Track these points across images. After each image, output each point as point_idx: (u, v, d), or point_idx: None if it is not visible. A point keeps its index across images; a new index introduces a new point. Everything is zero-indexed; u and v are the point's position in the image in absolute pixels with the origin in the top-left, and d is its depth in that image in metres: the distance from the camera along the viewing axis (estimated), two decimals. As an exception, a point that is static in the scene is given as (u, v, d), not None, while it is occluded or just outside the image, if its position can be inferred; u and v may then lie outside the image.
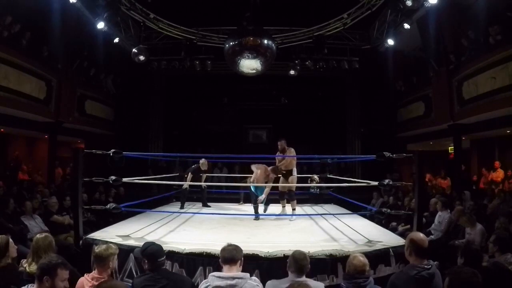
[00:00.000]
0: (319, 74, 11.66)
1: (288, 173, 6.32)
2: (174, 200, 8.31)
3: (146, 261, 2.79)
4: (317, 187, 8.06)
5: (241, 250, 2.72)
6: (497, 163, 9.76)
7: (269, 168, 6.17)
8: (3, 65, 7.90)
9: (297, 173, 6.55)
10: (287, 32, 10.40)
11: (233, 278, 2.54)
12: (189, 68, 10.82)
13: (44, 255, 2.93)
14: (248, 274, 2.66)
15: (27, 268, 3.01)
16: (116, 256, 2.92)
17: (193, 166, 7.58)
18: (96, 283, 2.70)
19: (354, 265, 2.61)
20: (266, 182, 6.18)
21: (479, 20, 8.30)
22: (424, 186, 6.69)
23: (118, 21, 9.08)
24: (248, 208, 7.46)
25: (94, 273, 2.82)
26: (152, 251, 2.80)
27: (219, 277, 2.56)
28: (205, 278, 3.45)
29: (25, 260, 3.16)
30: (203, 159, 7.43)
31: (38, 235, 3.27)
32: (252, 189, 6.29)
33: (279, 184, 6.43)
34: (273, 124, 13.70)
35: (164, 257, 2.85)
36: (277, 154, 6.39)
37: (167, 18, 10.05)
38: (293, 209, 6.38)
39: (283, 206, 6.55)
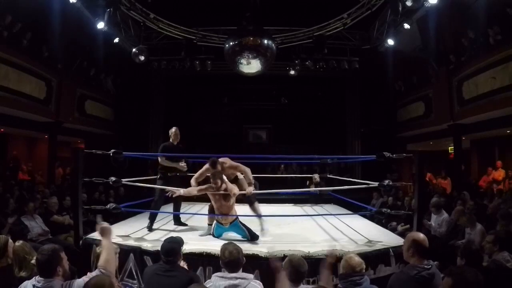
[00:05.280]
0: (319, 74, 11.66)
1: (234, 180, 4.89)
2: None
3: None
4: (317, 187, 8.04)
5: (242, 251, 2.72)
6: (499, 163, 9.80)
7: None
8: (3, 65, 7.92)
9: (298, 173, 6.26)
10: (287, 32, 10.41)
11: (236, 278, 2.55)
12: (189, 68, 10.84)
13: (24, 262, 2.96)
14: (251, 275, 2.65)
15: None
16: (117, 255, 2.94)
17: (161, 145, 5.36)
18: None
19: (351, 266, 2.61)
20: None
21: (479, 20, 8.31)
22: (424, 186, 6.67)
23: (118, 21, 9.09)
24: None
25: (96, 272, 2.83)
26: (164, 249, 2.84)
27: (222, 277, 2.58)
28: (205, 278, 3.45)
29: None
30: (173, 128, 5.28)
31: (16, 243, 3.15)
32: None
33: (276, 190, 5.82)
34: (273, 124, 13.70)
35: (178, 255, 2.85)
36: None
37: (167, 18, 10.06)
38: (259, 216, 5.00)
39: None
